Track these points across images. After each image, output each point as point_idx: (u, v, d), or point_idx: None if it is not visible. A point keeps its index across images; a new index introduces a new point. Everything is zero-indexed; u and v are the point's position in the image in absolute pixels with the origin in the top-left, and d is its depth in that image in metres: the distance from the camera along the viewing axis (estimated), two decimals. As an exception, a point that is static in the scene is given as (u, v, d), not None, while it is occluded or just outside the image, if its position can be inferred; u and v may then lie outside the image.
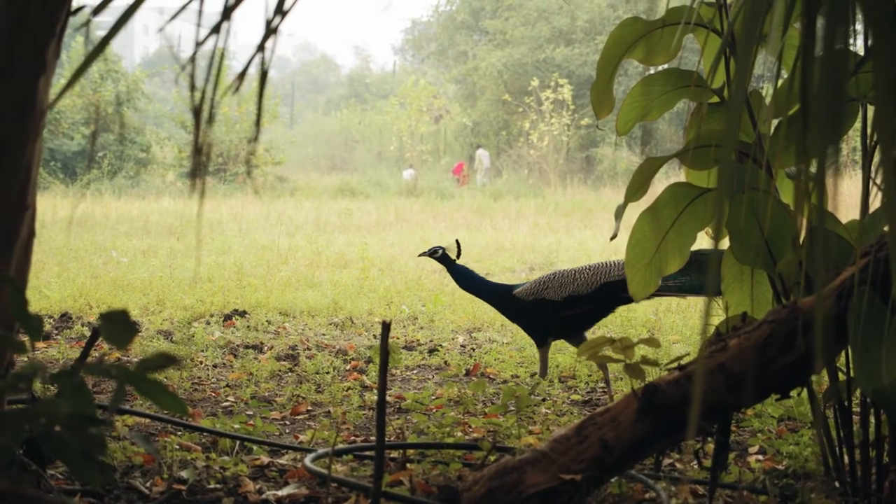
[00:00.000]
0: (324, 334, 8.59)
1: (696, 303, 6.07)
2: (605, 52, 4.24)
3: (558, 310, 6.20)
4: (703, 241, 4.44)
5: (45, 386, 4.74)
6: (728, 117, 1.89)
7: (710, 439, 3.43)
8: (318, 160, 48.30)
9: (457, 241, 6.56)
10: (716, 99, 4.14)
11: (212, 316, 9.26)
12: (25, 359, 5.20)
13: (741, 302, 4.07)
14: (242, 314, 9.27)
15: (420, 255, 6.78)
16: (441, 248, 6.48)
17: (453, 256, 6.46)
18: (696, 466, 4.23)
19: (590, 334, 6.63)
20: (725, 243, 3.97)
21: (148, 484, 4.00)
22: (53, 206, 20.56)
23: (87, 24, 2.75)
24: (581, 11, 43.04)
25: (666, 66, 4.30)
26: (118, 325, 2.49)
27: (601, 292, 6.18)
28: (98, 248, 14.51)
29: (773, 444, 4.78)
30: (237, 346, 7.82)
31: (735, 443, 4.91)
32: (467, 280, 6.46)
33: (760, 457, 4.65)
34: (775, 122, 3.92)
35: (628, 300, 6.23)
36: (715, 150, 3.96)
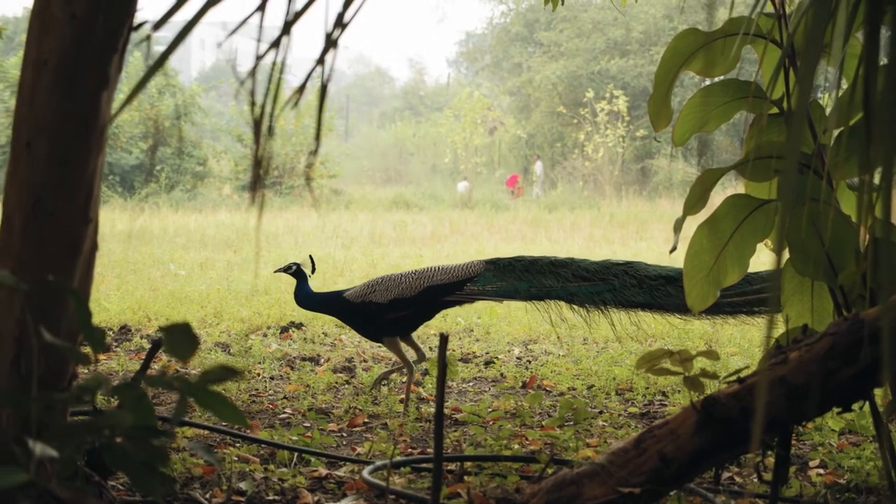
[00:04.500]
0: (380, 346, 8.60)
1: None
2: (662, 63, 4.22)
3: (384, 311, 6.39)
4: (762, 254, 4.40)
5: (106, 397, 4.79)
6: (791, 128, 1.87)
7: (770, 452, 3.40)
8: (372, 173, 48.38)
9: (310, 257, 6.68)
10: (775, 110, 4.10)
11: (269, 328, 9.31)
12: (86, 371, 5.27)
13: (801, 314, 4.03)
14: (299, 326, 9.31)
15: (275, 272, 6.91)
16: (296, 263, 6.62)
17: (308, 272, 6.55)
18: (756, 480, 4.19)
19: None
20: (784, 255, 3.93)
21: (207, 495, 4.03)
22: (112, 220, 20.75)
23: (146, 39, 2.78)
24: (636, 23, 42.85)
25: (723, 77, 4.27)
26: (180, 338, 2.51)
27: (425, 295, 6.39)
28: (156, 260, 14.64)
29: (835, 458, 4.73)
30: (294, 358, 7.86)
31: (795, 456, 4.86)
32: (306, 298, 6.62)
33: (821, 470, 4.60)
34: (835, 132, 3.88)
35: (451, 304, 6.53)
36: (775, 161, 3.92)
